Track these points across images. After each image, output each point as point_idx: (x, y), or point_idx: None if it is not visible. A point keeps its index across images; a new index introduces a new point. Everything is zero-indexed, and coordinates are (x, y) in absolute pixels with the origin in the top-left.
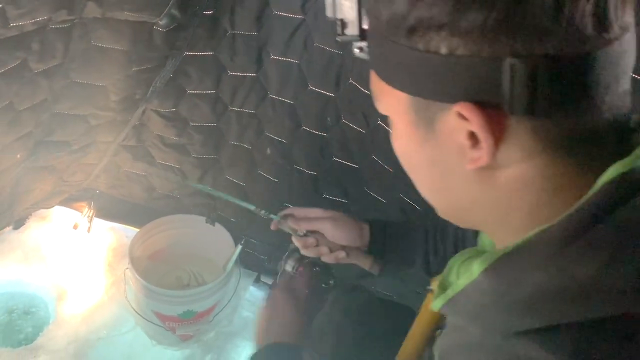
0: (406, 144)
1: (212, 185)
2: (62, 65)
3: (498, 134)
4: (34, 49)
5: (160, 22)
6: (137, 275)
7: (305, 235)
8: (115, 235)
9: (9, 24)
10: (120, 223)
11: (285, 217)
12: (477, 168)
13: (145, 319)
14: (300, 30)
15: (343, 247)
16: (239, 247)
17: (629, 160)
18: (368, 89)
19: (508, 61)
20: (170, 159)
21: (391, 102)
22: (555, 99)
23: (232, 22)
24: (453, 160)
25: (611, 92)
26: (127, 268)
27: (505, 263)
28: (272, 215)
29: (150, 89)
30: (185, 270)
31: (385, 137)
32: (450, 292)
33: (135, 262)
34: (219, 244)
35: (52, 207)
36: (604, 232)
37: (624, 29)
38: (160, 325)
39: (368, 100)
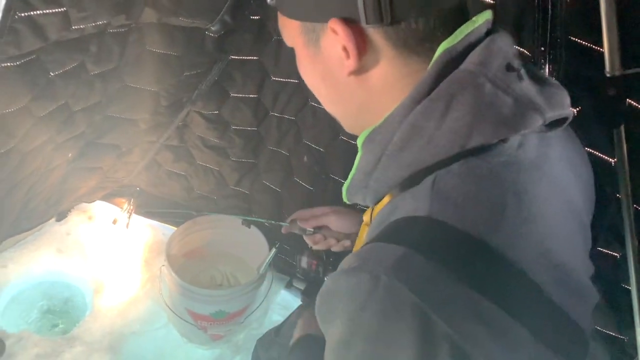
0: (305, 65)
1: (249, 190)
2: (117, 68)
3: (361, 43)
4: (92, 52)
5: (212, 28)
6: (172, 273)
7: (313, 233)
8: (152, 232)
9: (71, 27)
10: (158, 221)
11: (294, 221)
12: (351, 73)
13: (179, 317)
14: None
15: (348, 236)
16: (273, 250)
17: (450, 39)
18: None
19: None
20: (210, 160)
21: (290, 31)
22: (396, 8)
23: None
24: (336, 70)
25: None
26: (163, 265)
27: (377, 131)
28: (281, 223)
29: (196, 91)
30: (219, 270)
31: None
32: (349, 178)
33: (171, 259)
34: (254, 246)
35: (94, 201)
36: (438, 92)
37: None
38: (192, 324)
39: None
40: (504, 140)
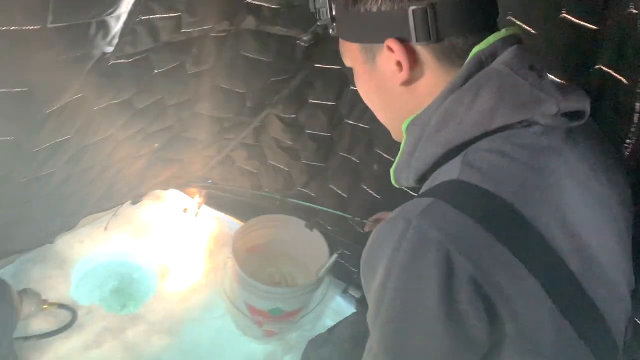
0: (362, 80)
1: (315, 192)
2: (212, 69)
3: (412, 57)
4: (193, 53)
5: (304, 38)
6: (237, 266)
7: None
8: (218, 224)
9: (181, 30)
10: (225, 214)
11: (378, 219)
12: (402, 83)
13: (237, 309)
14: None
15: None
16: (335, 256)
17: (481, 44)
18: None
19: (411, 9)
20: (281, 161)
21: (350, 53)
22: (440, 29)
23: None
24: (389, 82)
25: (476, 21)
26: (228, 257)
27: (418, 117)
28: (364, 220)
29: (277, 95)
30: (279, 268)
31: None
32: (396, 160)
33: (235, 253)
34: (314, 249)
35: (168, 189)
36: (469, 84)
37: None
38: (248, 317)
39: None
40: (528, 126)
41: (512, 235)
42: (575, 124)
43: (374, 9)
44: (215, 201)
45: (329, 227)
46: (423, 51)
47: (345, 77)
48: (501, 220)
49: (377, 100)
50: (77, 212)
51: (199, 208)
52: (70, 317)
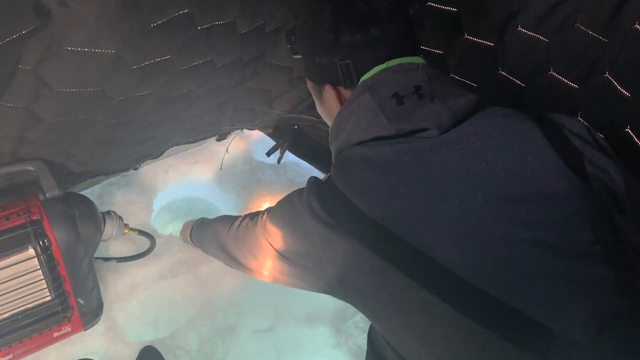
0: (317, 105)
1: None
2: None
3: (343, 96)
4: None
5: None
6: None
7: None
8: (301, 173)
9: None
10: (308, 162)
11: None
12: (339, 114)
13: None
14: (563, 6)
15: None
16: None
17: (367, 74)
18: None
19: (339, 64)
20: None
21: (308, 84)
22: (359, 78)
23: None
24: (333, 111)
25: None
26: None
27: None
28: None
29: None
30: None
31: None
32: None
33: None
34: None
35: (254, 130)
36: (346, 109)
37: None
38: None
39: (617, 105)
40: (382, 138)
41: (329, 203)
42: (422, 135)
43: (317, 60)
44: (299, 149)
45: None
46: (348, 92)
47: (461, 23)
48: (330, 199)
49: (328, 121)
50: (164, 141)
51: (282, 154)
52: (149, 245)
